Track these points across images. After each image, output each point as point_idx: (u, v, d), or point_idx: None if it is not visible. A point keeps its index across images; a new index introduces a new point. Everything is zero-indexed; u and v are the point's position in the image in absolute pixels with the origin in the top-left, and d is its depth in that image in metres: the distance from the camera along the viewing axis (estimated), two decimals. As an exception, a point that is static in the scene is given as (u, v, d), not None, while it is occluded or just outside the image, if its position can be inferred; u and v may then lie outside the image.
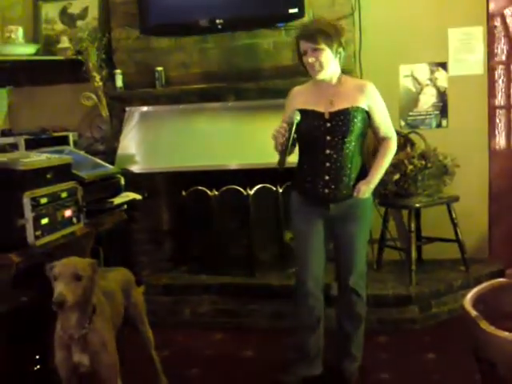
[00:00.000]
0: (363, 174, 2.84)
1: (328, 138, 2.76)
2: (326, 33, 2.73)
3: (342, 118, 2.75)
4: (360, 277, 2.94)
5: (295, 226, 2.98)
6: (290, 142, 2.68)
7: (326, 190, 2.79)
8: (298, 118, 2.71)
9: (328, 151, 2.77)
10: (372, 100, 2.82)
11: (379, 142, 2.91)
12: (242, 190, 4.00)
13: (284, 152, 2.68)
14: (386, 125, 2.89)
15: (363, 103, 2.79)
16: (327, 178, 2.78)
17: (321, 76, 2.78)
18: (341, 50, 2.79)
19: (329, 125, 2.76)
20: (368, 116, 2.83)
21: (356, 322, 2.99)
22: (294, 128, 2.69)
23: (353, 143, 2.77)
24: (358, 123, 2.76)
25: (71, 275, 2.14)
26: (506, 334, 1.38)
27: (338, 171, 2.77)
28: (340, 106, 2.77)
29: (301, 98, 2.85)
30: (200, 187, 4.10)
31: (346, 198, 2.81)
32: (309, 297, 2.93)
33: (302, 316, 2.99)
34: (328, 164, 2.77)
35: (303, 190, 2.89)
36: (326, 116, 2.77)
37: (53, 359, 2.27)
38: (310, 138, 2.81)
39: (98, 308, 2.28)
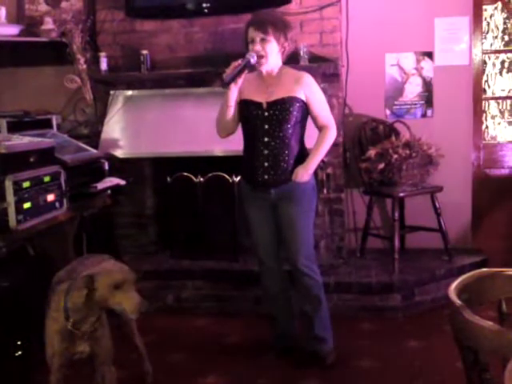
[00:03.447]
0: (302, 160, 2.95)
1: (266, 126, 2.89)
2: (275, 25, 2.86)
3: (279, 108, 2.87)
4: (308, 259, 3.02)
5: (246, 213, 3.12)
6: (239, 71, 2.78)
7: (266, 176, 2.92)
8: (253, 59, 2.81)
9: (266, 139, 2.90)
10: (308, 90, 2.92)
11: (319, 130, 3.02)
12: (227, 176, 3.99)
13: (234, 75, 2.78)
14: (323, 114, 2.99)
15: (300, 93, 2.90)
16: (266, 164, 2.91)
17: (264, 68, 2.90)
18: (286, 44, 2.91)
19: (266, 114, 2.89)
20: (306, 105, 2.92)
21: (315, 303, 3.07)
22: (247, 65, 2.80)
23: (290, 131, 2.90)
24: (294, 112, 2.88)
25: (134, 280, 2.19)
26: (489, 323, 1.40)
27: (276, 158, 2.90)
28: (277, 96, 2.89)
29: (244, 88, 2.93)
30: (185, 173, 4.08)
31: (285, 182, 2.92)
32: (269, 272, 3.15)
33: (267, 289, 3.22)
34: (266, 151, 2.90)
35: (247, 177, 3.03)
36: (264, 106, 2.89)
37: (36, 345, 2.26)
38: (250, 127, 2.95)
39: None
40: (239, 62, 2.80)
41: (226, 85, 2.81)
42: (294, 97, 2.88)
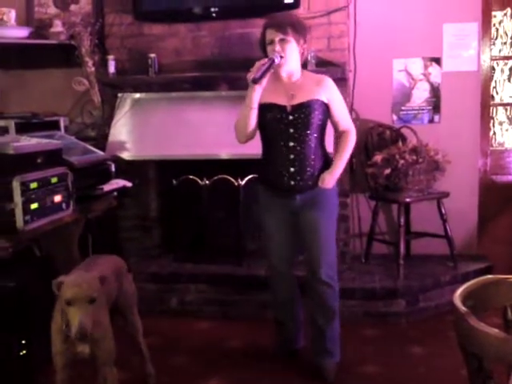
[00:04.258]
0: (327, 164, 2.90)
1: (291, 130, 2.82)
2: (294, 26, 2.79)
3: (304, 111, 2.80)
4: (330, 267, 2.95)
5: (263, 218, 3.05)
6: (265, 70, 2.72)
7: (292, 182, 2.85)
8: (277, 59, 2.75)
9: (292, 143, 2.82)
10: (330, 93, 2.88)
11: (339, 134, 2.98)
12: (233, 180, 3.99)
13: (262, 72, 2.70)
14: (344, 118, 2.96)
15: (322, 96, 2.85)
16: (292, 169, 2.84)
17: (284, 69, 2.83)
18: (305, 46, 2.86)
19: (291, 117, 2.81)
20: (327, 109, 2.88)
21: (329, 315, 3.00)
22: (272, 65, 2.73)
23: (315, 135, 2.84)
24: (318, 115, 2.83)
25: (86, 299, 2.14)
26: (494, 330, 1.39)
27: (302, 163, 2.83)
28: (301, 99, 2.82)
29: (263, 91, 2.83)
30: (191, 176, 4.08)
31: (311, 188, 2.87)
32: (279, 277, 3.12)
33: (276, 294, 3.19)
34: (292, 156, 2.83)
35: (269, 182, 2.95)
36: (289, 109, 2.82)
37: (38, 345, 2.27)
38: (273, 131, 2.86)
39: (98, 298, 2.26)
40: (265, 60, 2.73)
41: (258, 80, 2.70)
42: (317, 100, 2.82)
